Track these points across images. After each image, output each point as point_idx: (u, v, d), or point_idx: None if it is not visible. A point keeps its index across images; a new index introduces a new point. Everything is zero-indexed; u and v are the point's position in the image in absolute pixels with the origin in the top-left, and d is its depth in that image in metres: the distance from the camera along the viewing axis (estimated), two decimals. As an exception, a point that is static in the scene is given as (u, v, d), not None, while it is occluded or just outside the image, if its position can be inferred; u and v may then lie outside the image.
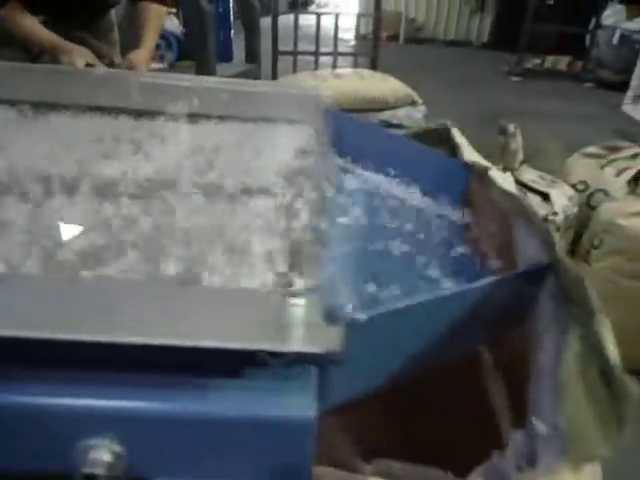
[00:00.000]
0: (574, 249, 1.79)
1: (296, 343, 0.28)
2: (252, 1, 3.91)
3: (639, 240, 1.50)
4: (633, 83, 4.89)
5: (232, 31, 4.85)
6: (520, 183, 1.79)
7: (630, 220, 1.54)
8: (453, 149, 0.82)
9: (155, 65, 4.37)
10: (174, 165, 0.56)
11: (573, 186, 1.97)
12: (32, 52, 1.62)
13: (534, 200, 1.74)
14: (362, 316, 0.32)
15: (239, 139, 0.67)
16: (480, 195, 0.65)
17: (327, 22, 3.79)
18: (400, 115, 3.14)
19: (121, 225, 0.45)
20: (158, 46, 4.61)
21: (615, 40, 5.63)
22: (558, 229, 1.69)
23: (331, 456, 0.43)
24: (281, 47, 3.81)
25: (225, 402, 0.29)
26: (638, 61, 4.82)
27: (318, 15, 3.68)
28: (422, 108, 3.25)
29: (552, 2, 8.04)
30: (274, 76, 3.75)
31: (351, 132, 0.76)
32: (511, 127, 1.82)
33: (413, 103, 3.37)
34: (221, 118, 0.71)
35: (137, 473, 0.30)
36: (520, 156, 1.84)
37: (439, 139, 0.80)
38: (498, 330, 0.43)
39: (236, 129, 0.71)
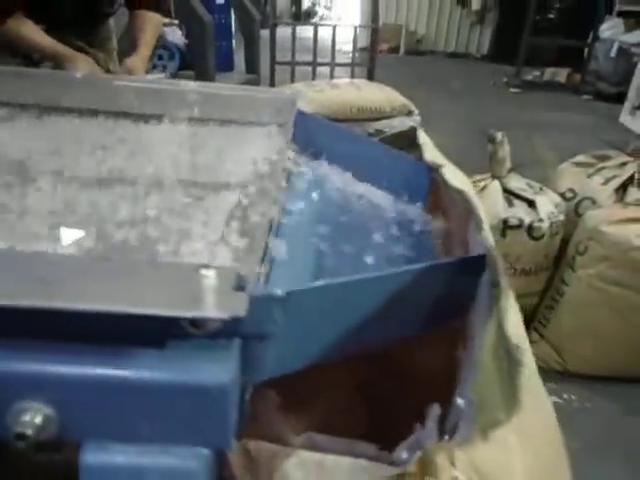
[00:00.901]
0: (561, 255, 1.81)
1: (200, 308, 0.30)
2: (252, 13, 3.97)
3: (622, 247, 1.52)
4: (630, 95, 4.92)
5: (234, 42, 4.95)
6: (507, 190, 1.81)
7: (614, 227, 1.56)
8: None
9: (157, 75, 4.44)
10: (138, 161, 0.59)
11: (562, 194, 1.99)
12: (33, 60, 1.66)
13: (520, 207, 1.76)
14: (279, 291, 0.34)
15: (210, 139, 0.70)
16: (440, 192, 0.67)
17: (328, 34, 3.85)
18: (395, 124, 3.17)
19: (64, 210, 0.47)
20: (161, 56, 4.69)
21: (613, 53, 5.68)
22: (543, 235, 1.70)
23: (265, 431, 0.44)
24: (282, 58, 3.87)
25: (148, 368, 0.31)
26: (635, 73, 4.86)
27: (315, 26, 3.74)
28: (417, 118, 3.28)
29: (553, 16, 8.16)
30: (272, 86, 3.81)
31: (321, 133, 0.79)
32: (499, 135, 1.84)
33: (409, 113, 3.40)
34: (195, 119, 0.74)
35: (69, 436, 0.32)
36: (508, 164, 1.86)
37: (409, 142, 0.82)
38: (438, 317, 0.44)
39: (209, 130, 0.74)
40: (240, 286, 0.31)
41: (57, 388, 0.31)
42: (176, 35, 4.76)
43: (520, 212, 1.73)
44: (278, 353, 0.36)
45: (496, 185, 1.82)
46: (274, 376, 0.38)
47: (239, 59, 4.69)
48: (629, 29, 5.79)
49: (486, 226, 0.43)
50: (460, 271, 0.43)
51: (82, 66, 1.49)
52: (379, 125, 3.30)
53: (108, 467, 0.31)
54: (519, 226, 1.70)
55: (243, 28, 4.06)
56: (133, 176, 0.57)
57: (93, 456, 0.31)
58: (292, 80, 3.73)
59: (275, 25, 3.75)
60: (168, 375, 0.30)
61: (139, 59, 1.65)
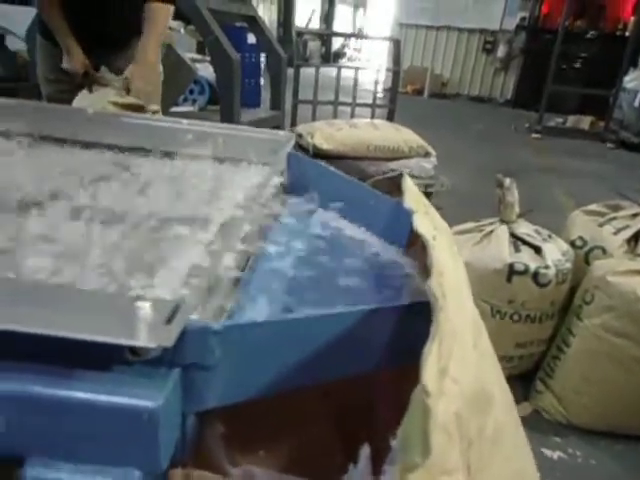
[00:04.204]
0: (569, 305, 1.78)
1: (131, 337, 0.33)
2: (279, 52, 4.14)
3: (627, 298, 1.49)
4: (653, 145, 4.90)
5: (262, 79, 5.15)
6: (515, 236, 1.80)
7: (619, 278, 1.54)
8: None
9: (187, 108, 4.62)
10: (124, 197, 0.63)
11: (572, 242, 1.97)
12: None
13: (527, 252, 1.75)
14: (216, 325, 0.36)
15: (202, 176, 0.74)
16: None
17: (360, 75, 3.96)
18: (411, 165, 3.23)
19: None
20: (192, 91, 4.89)
21: (636, 103, 5.69)
22: (549, 282, 1.69)
23: (206, 459, 0.45)
24: (310, 95, 4.00)
25: (87, 390, 0.33)
26: (658, 124, 4.84)
27: (339, 68, 3.88)
28: (433, 159, 3.34)
29: (578, 65, 8.32)
30: (293, 123, 3.92)
31: (312, 174, 0.82)
32: (507, 181, 1.85)
33: (426, 154, 3.47)
34: (190, 157, 0.79)
35: (13, 451, 0.34)
36: (517, 209, 1.86)
37: (398, 187, 0.85)
38: (389, 358, 0.45)
39: (202, 168, 0.78)
40: (171, 319, 0.34)
41: (3, 405, 0.33)
42: (208, 71, 4.99)
43: (526, 258, 1.72)
44: (221, 384, 0.38)
45: (504, 230, 1.82)
46: (217, 406, 0.39)
47: (267, 96, 4.88)
48: (653, 81, 5.82)
49: (440, 275, 0.44)
50: (406, 316, 0.44)
51: (74, 60, 1.65)
52: (395, 165, 3.36)
53: (47, 482, 0.33)
54: (525, 272, 1.69)
55: (270, 67, 4.24)
56: (108, 208, 0.61)
57: (34, 471, 0.33)
58: (313, 118, 3.84)
59: (299, 66, 3.89)
60: (104, 397, 0.33)
61: (140, 68, 1.65)
